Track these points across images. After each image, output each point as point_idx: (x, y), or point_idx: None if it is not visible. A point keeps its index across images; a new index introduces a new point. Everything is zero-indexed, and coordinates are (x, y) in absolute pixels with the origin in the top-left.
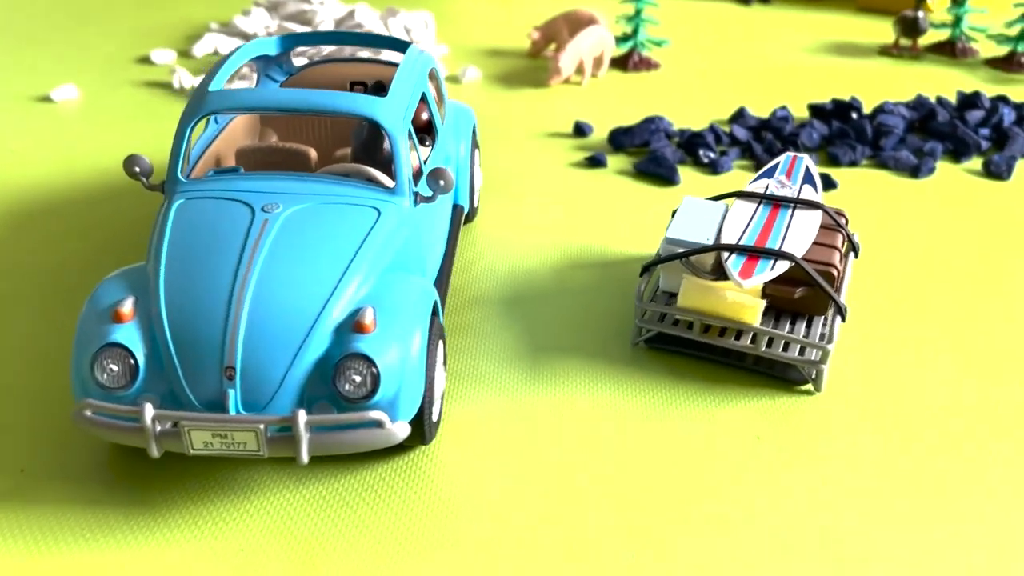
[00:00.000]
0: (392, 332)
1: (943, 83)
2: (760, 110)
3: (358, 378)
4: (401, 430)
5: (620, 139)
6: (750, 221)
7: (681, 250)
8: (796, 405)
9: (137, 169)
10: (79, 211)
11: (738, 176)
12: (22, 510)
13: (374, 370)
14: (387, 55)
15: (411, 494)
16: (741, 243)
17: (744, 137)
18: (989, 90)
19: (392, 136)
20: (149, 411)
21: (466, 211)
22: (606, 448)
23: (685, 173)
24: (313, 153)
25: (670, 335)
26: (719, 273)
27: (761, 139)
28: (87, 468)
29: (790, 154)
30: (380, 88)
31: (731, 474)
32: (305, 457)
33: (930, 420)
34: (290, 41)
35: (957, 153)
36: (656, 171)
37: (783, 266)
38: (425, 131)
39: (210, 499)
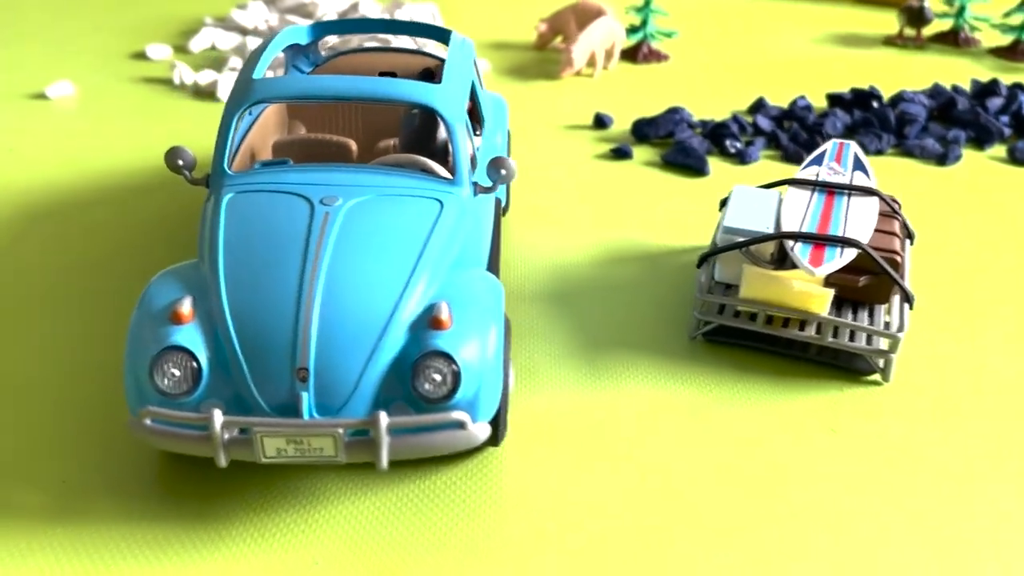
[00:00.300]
0: (469, 327)
1: (950, 72)
2: (777, 100)
3: (438, 376)
4: (482, 431)
5: (644, 130)
6: (807, 209)
7: (740, 239)
8: (866, 396)
9: (180, 162)
10: (83, 212)
11: (766, 166)
12: (71, 524)
13: (454, 367)
14: (401, 41)
15: (481, 498)
16: (804, 231)
17: (768, 127)
18: (988, 76)
19: (450, 125)
20: (218, 417)
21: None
22: (672, 444)
23: (713, 164)
24: (353, 145)
25: (730, 327)
26: (778, 262)
27: (785, 128)
28: (134, 481)
29: (836, 141)
30: (429, 76)
31: (805, 468)
32: (385, 462)
33: (997, 406)
34: (322, 29)
35: (980, 140)
36: (685, 162)
37: (851, 253)
38: (472, 120)
39: (274, 510)
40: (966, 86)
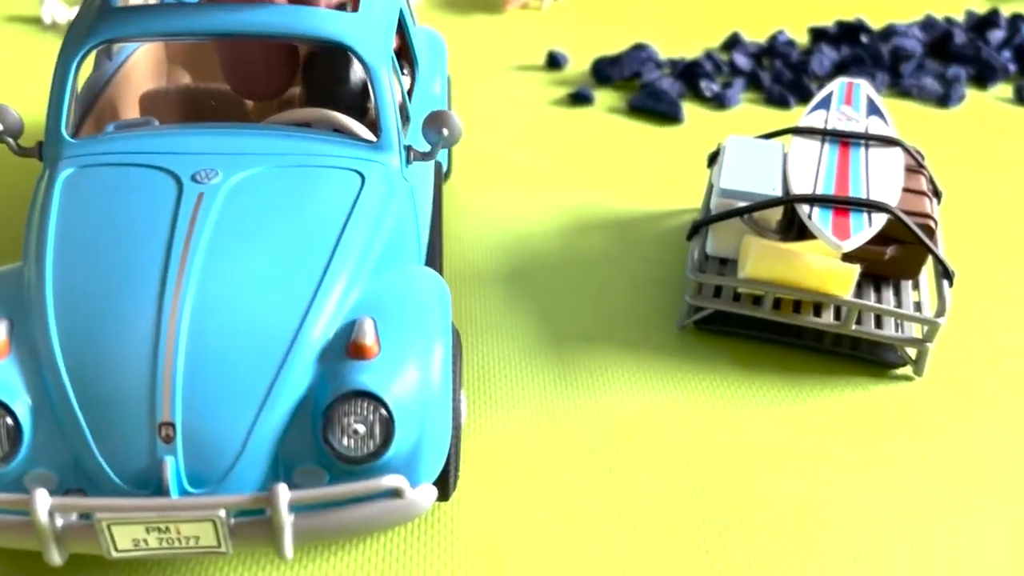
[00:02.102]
0: (404, 352)
1: (941, 1)
2: (753, 34)
3: (361, 427)
4: (426, 496)
5: (606, 71)
6: (819, 164)
7: (742, 204)
8: (895, 395)
9: (0, 126)
10: None
11: (749, 111)
12: None
13: (383, 412)
14: None
15: (426, 555)
16: (819, 192)
17: (747, 66)
18: (983, 7)
19: (371, 68)
20: (42, 499)
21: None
22: (659, 464)
23: (688, 109)
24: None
25: (728, 314)
26: (786, 232)
27: (765, 67)
28: None
29: (843, 80)
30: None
31: (824, 488)
32: (289, 550)
33: None
34: None
35: (982, 78)
36: (655, 107)
37: (880, 220)
38: (401, 62)
39: None
40: (959, 17)
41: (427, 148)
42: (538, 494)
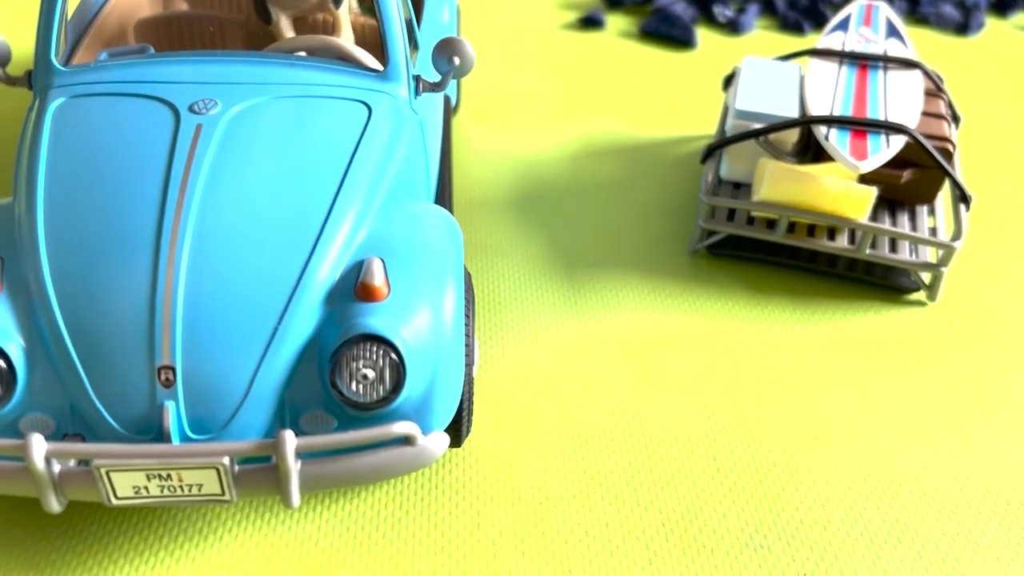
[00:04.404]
0: (414, 294)
1: None
2: None
3: (370, 372)
4: (438, 443)
5: None
6: (837, 86)
7: (757, 125)
8: (908, 320)
9: None
10: None
11: (763, 37)
12: None
13: (393, 357)
14: None
15: (441, 472)
16: (837, 114)
17: None
18: None
19: None
20: (38, 444)
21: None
22: (673, 384)
23: (701, 34)
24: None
25: (741, 238)
26: (802, 155)
27: None
28: None
29: (863, 2)
30: None
31: (835, 410)
32: (296, 499)
33: None
34: None
35: (1001, 5)
36: (668, 32)
37: (899, 142)
38: None
39: (148, 548)
40: None
41: (437, 78)
42: (549, 410)
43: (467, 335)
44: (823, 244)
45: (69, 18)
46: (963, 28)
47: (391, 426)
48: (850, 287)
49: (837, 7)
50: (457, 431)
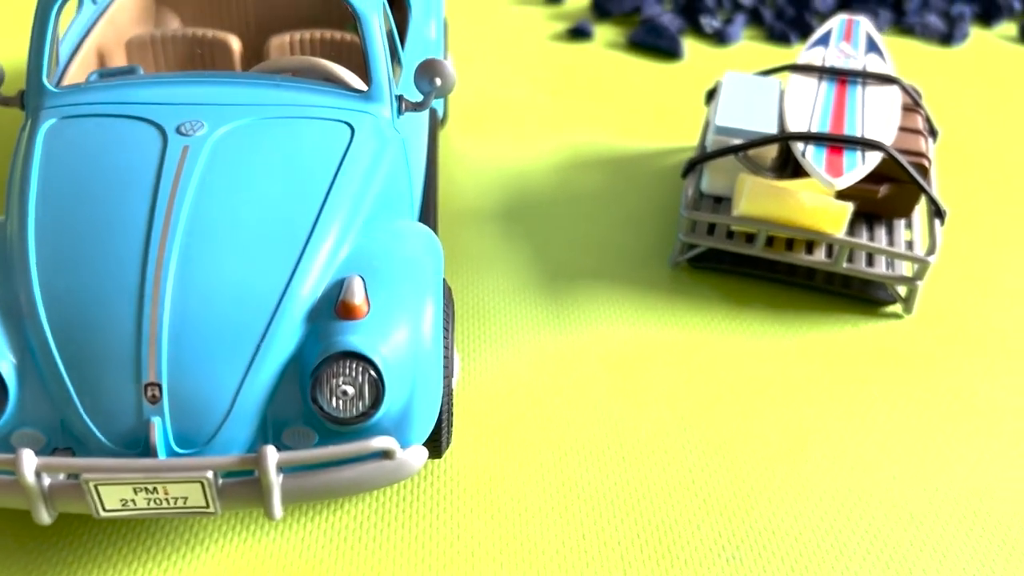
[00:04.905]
0: (394, 311)
1: None
2: None
3: (350, 389)
4: (417, 457)
5: (605, 5)
6: (816, 102)
7: (737, 141)
8: (884, 332)
9: None
10: None
11: (750, 48)
12: None
13: (373, 373)
14: None
15: (421, 484)
16: (815, 130)
17: (748, 1)
18: None
19: (361, 13)
20: (29, 459)
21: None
22: (656, 394)
23: (688, 45)
24: (236, 43)
25: (721, 251)
26: (780, 170)
27: (767, 3)
28: None
29: (843, 17)
30: None
31: (814, 421)
32: (278, 511)
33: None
34: None
35: (987, 16)
36: (655, 43)
37: (874, 159)
38: (392, 5)
39: (140, 561)
40: None
41: (419, 98)
42: (530, 427)
43: (447, 347)
44: (801, 258)
45: (61, 37)
46: (947, 38)
47: (370, 441)
48: (828, 300)
49: (823, 17)
50: (437, 443)
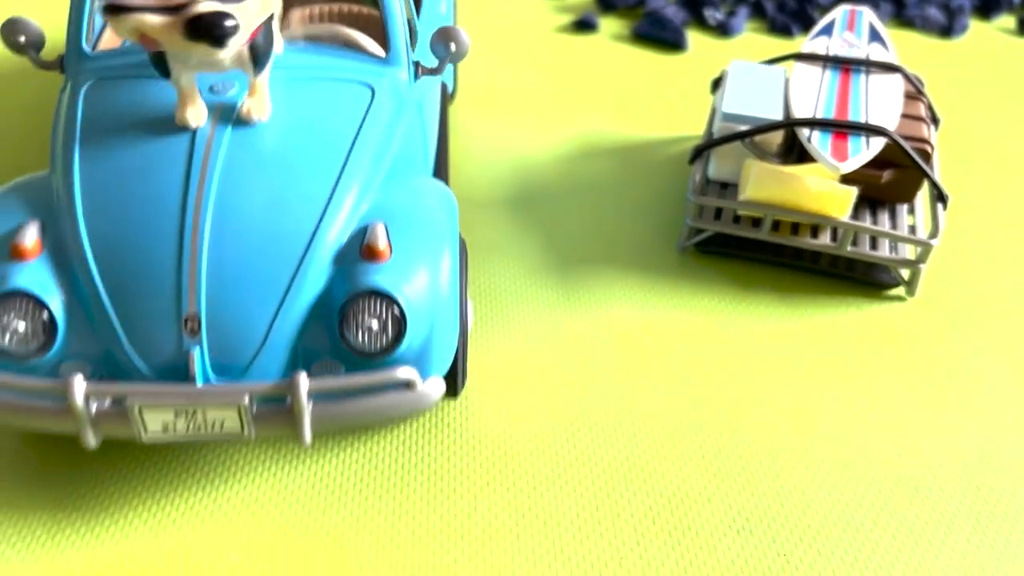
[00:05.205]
0: (414, 256)
1: None
2: None
3: (375, 324)
4: (435, 388)
5: None
6: (820, 89)
7: (743, 127)
8: (888, 314)
9: (22, 38)
10: None
11: (753, 40)
12: None
13: (396, 311)
14: None
15: (439, 463)
16: (819, 116)
17: None
18: None
19: None
20: (79, 385)
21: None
22: (661, 376)
23: (692, 37)
24: None
25: (727, 236)
26: (786, 156)
27: None
28: None
29: (847, 7)
30: None
31: (818, 401)
32: (308, 437)
33: None
34: None
35: (986, 9)
36: (660, 35)
37: (878, 144)
38: None
39: (173, 490)
40: None
41: (434, 64)
42: (543, 400)
43: (461, 293)
44: (806, 242)
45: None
46: (947, 31)
47: (394, 371)
48: (832, 283)
49: (825, 9)
50: (453, 381)
